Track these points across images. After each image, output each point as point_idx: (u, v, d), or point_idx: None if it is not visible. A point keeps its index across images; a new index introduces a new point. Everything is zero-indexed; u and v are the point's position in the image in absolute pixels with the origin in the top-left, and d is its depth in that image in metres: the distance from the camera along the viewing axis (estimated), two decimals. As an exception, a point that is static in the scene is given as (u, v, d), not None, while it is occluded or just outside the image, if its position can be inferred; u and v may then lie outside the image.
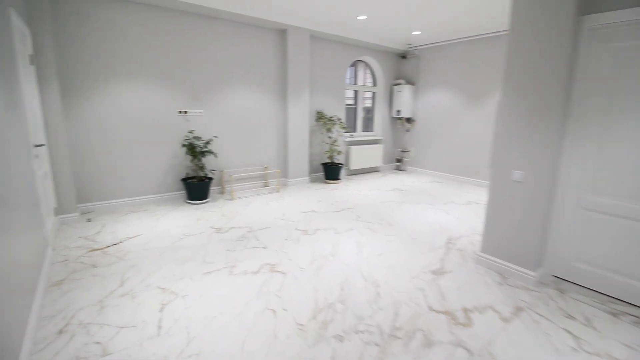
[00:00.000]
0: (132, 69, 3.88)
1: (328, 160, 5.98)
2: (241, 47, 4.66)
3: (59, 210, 3.41)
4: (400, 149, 7.13)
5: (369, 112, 6.98)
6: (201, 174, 4.38)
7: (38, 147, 2.76)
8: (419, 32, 5.46)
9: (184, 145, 4.21)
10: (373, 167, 6.88)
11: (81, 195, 3.77)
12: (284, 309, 2.07)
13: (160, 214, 3.85)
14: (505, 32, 5.05)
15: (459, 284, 2.45)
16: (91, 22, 3.58)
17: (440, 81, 6.20)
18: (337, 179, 5.75)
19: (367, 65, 6.66)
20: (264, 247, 3.00)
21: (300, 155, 5.47)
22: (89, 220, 3.57)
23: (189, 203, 4.27)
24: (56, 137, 3.30)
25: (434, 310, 2.12)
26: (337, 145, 5.72)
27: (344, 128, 5.67)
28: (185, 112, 4.33)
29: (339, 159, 6.00)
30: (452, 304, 2.19)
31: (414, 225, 3.68)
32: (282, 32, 5.03)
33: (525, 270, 2.53)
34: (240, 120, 4.84)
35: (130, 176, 4.06)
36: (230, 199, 4.53)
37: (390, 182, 5.89)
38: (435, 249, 3.07)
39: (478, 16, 4.56)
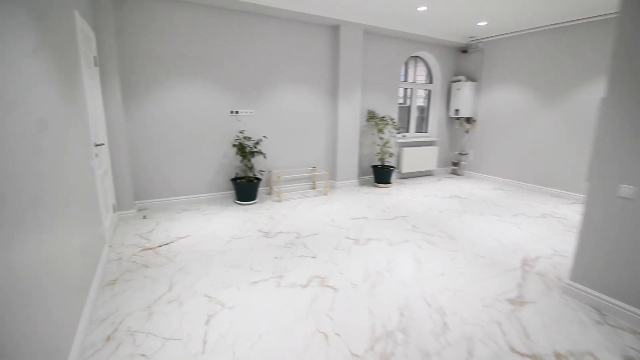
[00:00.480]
0: (186, 68, 3.92)
1: (378, 163, 5.65)
2: (292, 44, 4.53)
3: (118, 207, 3.54)
4: (457, 152, 6.55)
5: (422, 111, 6.51)
6: (250, 174, 4.33)
7: (98, 146, 2.84)
8: (484, 23, 4.90)
9: (234, 145, 4.18)
10: (426, 171, 6.40)
11: (138, 192, 3.90)
12: (336, 334, 1.85)
13: (211, 213, 3.85)
14: (595, 19, 4.33)
15: (545, 319, 2.03)
16: (149, 22, 3.66)
17: (507, 77, 5.55)
18: (388, 182, 5.41)
19: (419, 61, 6.20)
20: (312, 257, 2.80)
21: (350, 157, 5.22)
22: (144, 217, 3.67)
23: (238, 203, 4.24)
24: (116, 136, 3.41)
25: (517, 352, 1.75)
26: (389, 147, 5.38)
27: (397, 128, 5.31)
28: (237, 112, 4.31)
29: (390, 161, 5.65)
30: (539, 345, 1.80)
31: (480, 240, 3.25)
32: (334, 29, 4.82)
33: (633, 309, 2.03)
34: (290, 119, 4.72)
35: (184, 175, 4.13)
36: (278, 201, 4.43)
37: (446, 188, 5.40)
38: (508, 271, 2.64)
39: (559, 2, 3.93)
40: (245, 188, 4.15)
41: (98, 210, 2.59)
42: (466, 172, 6.45)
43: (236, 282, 2.37)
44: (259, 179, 4.30)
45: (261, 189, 4.65)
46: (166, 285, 2.30)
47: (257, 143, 4.26)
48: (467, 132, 6.32)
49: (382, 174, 5.35)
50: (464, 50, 6.12)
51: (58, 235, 1.57)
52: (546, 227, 3.66)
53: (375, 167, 5.43)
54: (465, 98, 6.00)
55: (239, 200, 4.23)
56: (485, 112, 5.97)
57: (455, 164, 6.59)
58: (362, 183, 5.58)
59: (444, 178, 6.22)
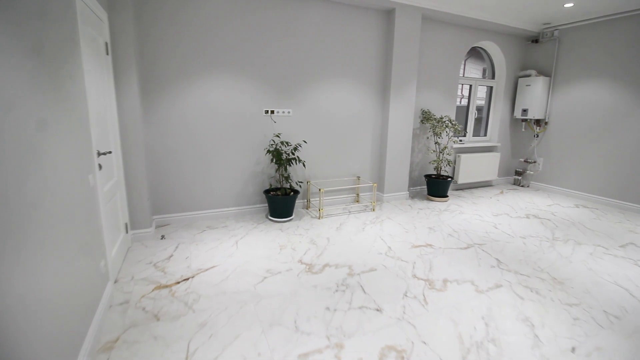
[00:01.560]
0: (215, 60, 3.30)
1: (433, 172, 4.82)
2: (337, 32, 3.81)
3: (132, 225, 2.96)
4: (521, 159, 5.58)
5: (479, 111, 5.59)
6: (286, 185, 3.66)
7: (104, 155, 2.24)
8: (571, 5, 3.95)
9: (269, 151, 3.51)
10: (485, 181, 5.48)
11: (157, 206, 3.32)
12: None
13: (240, 234, 3.20)
14: None
15: None
16: (173, 6, 3.06)
17: (590, 71, 4.54)
18: (445, 196, 4.56)
19: (476, 54, 5.29)
20: (377, 309, 2.06)
21: (400, 165, 4.43)
22: (162, 237, 3.08)
23: (271, 220, 3.57)
24: (131, 140, 2.83)
25: None
26: (449, 154, 4.53)
27: (458, 132, 4.45)
28: (272, 112, 3.64)
29: (447, 170, 4.79)
30: None
31: (598, 287, 2.38)
32: (388, 13, 4.05)
33: None
34: (332, 120, 4.00)
35: (209, 186, 3.51)
36: (318, 217, 3.72)
37: (516, 204, 4.48)
38: (676, 349, 1.77)
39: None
40: (281, 203, 3.48)
41: (100, 239, 1.98)
42: (532, 184, 5.47)
43: (278, 354, 1.67)
44: (296, 192, 3.61)
45: (298, 202, 3.96)
46: (181, 355, 1.64)
47: (295, 149, 3.58)
48: (536, 136, 5.34)
49: (437, 186, 4.51)
50: (535, 40, 5.15)
51: (30, 280, 0.93)
52: (683, 269, 2.71)
53: (429, 177, 4.61)
54: (536, 96, 5.04)
55: (272, 216, 3.56)
56: (561, 113, 4.98)
57: (519, 173, 5.61)
58: (413, 195, 4.76)
59: (507, 190, 5.27)
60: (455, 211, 4.12)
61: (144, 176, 2.95)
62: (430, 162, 4.66)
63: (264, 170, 3.74)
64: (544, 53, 5.11)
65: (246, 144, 3.60)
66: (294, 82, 3.69)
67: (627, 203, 4.32)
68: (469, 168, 5.06)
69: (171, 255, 2.72)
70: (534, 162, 5.41)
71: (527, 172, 5.51)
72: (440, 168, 4.55)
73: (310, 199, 4.06)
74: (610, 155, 4.47)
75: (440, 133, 4.46)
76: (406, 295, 2.22)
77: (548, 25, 4.88)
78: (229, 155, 3.53)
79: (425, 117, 4.50)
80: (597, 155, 4.61)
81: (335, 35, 3.80)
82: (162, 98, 3.17)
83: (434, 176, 4.63)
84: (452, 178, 4.56)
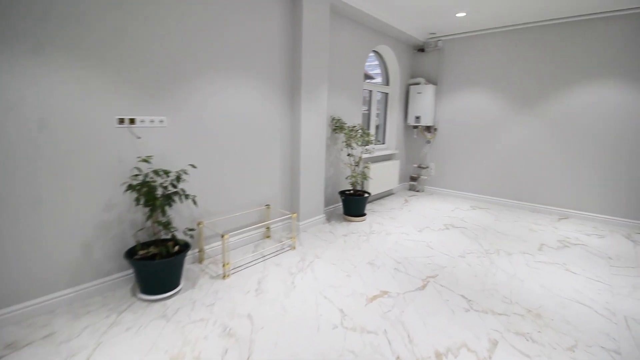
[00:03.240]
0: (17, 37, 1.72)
1: (347, 187, 4.24)
2: (232, 19, 2.70)
3: None
4: (415, 165, 5.69)
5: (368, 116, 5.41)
6: (166, 237, 2.32)
7: None
8: (463, 14, 4.05)
9: (131, 187, 2.11)
10: (388, 190, 5.32)
11: None
12: None
13: (82, 347, 1.72)
14: (584, 17, 3.86)
15: None
16: None
17: (473, 80, 4.90)
18: (363, 214, 4.03)
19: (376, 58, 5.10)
20: None
21: (315, 183, 3.64)
22: None
23: (145, 300, 2.17)
24: None
25: None
26: (366, 167, 4.02)
27: (370, 142, 3.97)
28: (131, 123, 2.24)
29: (361, 185, 4.28)
30: None
31: (570, 312, 2.15)
32: (293, 1, 3.19)
33: None
34: (228, 133, 2.85)
35: (9, 258, 1.84)
36: (222, 276, 2.52)
37: (426, 213, 4.35)
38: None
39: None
40: (159, 268, 2.13)
41: None
42: (426, 188, 5.63)
43: None
44: (185, 246, 2.32)
45: (188, 256, 2.64)
46: None
47: (178, 178, 2.28)
48: (428, 142, 5.50)
49: (355, 204, 3.93)
50: (421, 49, 5.28)
51: None
52: (591, 264, 2.86)
53: (344, 193, 3.99)
54: (427, 103, 5.15)
55: (146, 292, 2.17)
56: (448, 120, 5.24)
57: (414, 179, 5.70)
58: (329, 217, 4.05)
59: (408, 197, 5.22)
60: (381, 232, 3.61)
61: None
62: (346, 178, 4.05)
63: (123, 216, 2.29)
64: (430, 62, 5.28)
65: (85, 176, 2.08)
66: (168, 78, 2.39)
67: (509, 200, 4.78)
68: (377, 178, 4.73)
69: None
70: (427, 167, 5.57)
71: (421, 177, 5.65)
72: (358, 183, 3.99)
73: (205, 248, 2.80)
74: (494, 157, 4.88)
75: (352, 144, 3.91)
76: (411, 412, 1.40)
77: (433, 35, 5.04)
78: (49, 197, 1.95)
79: (338, 126, 3.85)
80: (482, 158, 4.98)
81: (231, 22, 2.68)
82: None
83: (349, 192, 4.05)
84: (369, 194, 4.07)
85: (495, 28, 4.52)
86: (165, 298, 2.19)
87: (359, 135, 3.81)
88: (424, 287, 2.46)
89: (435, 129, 5.38)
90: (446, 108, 5.22)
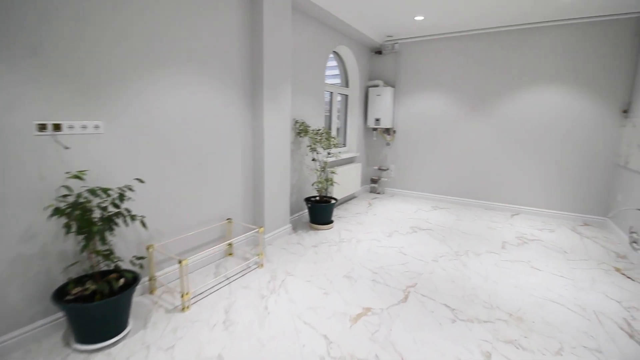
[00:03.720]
0: None
1: (313, 194, 4.04)
2: (177, 11, 2.33)
3: None
4: (375, 167, 5.68)
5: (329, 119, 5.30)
6: (108, 267, 1.90)
7: None
8: (421, 18, 4.09)
9: (57, 212, 1.66)
10: (351, 195, 5.22)
11: None
12: None
13: None
14: (536, 25, 4.10)
15: None
16: None
17: (429, 83, 5.01)
18: (331, 221, 3.86)
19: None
20: None
21: (281, 192, 3.38)
22: None
23: (81, 351, 1.73)
24: None
25: None
26: (333, 172, 3.84)
27: (335, 145, 3.81)
28: (56, 129, 1.78)
29: (329, 191, 4.09)
30: None
31: (547, 312, 2.18)
32: (247, -13, 2.89)
33: None
34: (181, 139, 2.47)
35: None
36: (182, 309, 2.14)
37: (391, 216, 4.32)
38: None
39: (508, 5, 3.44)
40: (99, 312, 1.72)
41: None
42: (387, 190, 5.66)
43: None
44: (133, 280, 1.92)
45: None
46: None
47: (121, 197, 1.87)
48: (388, 144, 5.52)
49: (322, 211, 3.74)
50: (379, 52, 5.28)
51: None
52: (550, 260, 3.01)
53: (310, 200, 3.78)
54: (386, 106, 5.16)
55: (83, 341, 1.73)
56: (406, 122, 5.30)
57: (374, 181, 5.69)
58: (295, 226, 3.81)
59: (371, 200, 5.18)
60: (351, 239, 3.46)
61: None
62: (313, 184, 3.84)
63: (48, 248, 1.82)
64: (387, 64, 5.30)
65: (-10, 201, 1.60)
66: (104, 76, 1.95)
67: (466, 199, 4.96)
68: (341, 183, 4.59)
69: None
70: (387, 169, 5.60)
71: (382, 179, 5.66)
72: (324, 189, 3.80)
73: (157, 275, 2.38)
74: (450, 158, 5.03)
75: (317, 148, 3.71)
76: None
77: (390, 38, 5.05)
78: None
79: (302, 129, 3.63)
80: (439, 158, 5.11)
81: (181, 13, 2.30)
82: None
83: (314, 199, 3.84)
84: (335, 200, 3.90)
85: (450, 33, 4.66)
86: (109, 345, 1.77)
87: (324, 139, 3.63)
88: (406, 298, 2.34)
89: (395, 131, 5.41)
90: (404, 110, 5.28)
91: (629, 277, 2.72)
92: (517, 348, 1.85)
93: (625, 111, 3.77)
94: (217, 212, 2.85)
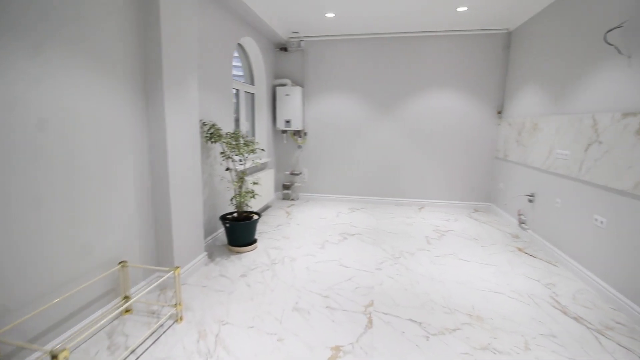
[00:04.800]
0: None
1: (229, 210, 3.38)
2: None
3: None
4: (287, 172, 5.32)
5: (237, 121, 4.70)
6: None
7: None
8: (332, 15, 3.92)
9: None
10: (265, 205, 4.72)
11: None
12: None
13: None
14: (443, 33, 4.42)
15: None
16: None
17: (337, 84, 4.93)
18: (254, 241, 3.29)
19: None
20: None
21: (192, 214, 2.64)
22: None
23: None
24: None
25: None
26: (256, 183, 3.25)
27: (253, 152, 3.23)
28: None
29: (250, 205, 3.48)
30: None
31: (501, 307, 2.24)
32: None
33: None
34: (37, 154, 1.55)
35: None
36: None
37: (314, 223, 4.04)
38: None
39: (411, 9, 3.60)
40: None
41: None
42: (301, 195, 5.38)
43: None
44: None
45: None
46: None
47: None
48: (299, 147, 5.21)
49: (244, 230, 3.15)
50: (284, 48, 4.91)
51: None
52: (469, 249, 3.26)
53: (227, 219, 3.13)
54: (296, 106, 4.85)
55: None
56: (317, 123, 5.11)
57: (287, 187, 5.32)
58: (211, 252, 3.09)
59: (287, 208, 4.80)
60: (284, 259, 3.00)
61: None
62: (231, 199, 3.17)
63: None
64: (294, 62, 4.98)
65: None
66: None
67: (378, 197, 5.10)
68: (258, 192, 4.05)
69: None
70: (300, 173, 5.31)
71: (295, 184, 5.34)
72: (243, 204, 3.19)
73: (3, 378, 1.42)
74: (359, 158, 5.07)
75: (233, 155, 3.10)
76: None
77: (296, 35, 4.74)
78: None
79: (213, 133, 2.94)
80: (350, 159, 5.10)
81: None
82: None
83: (231, 216, 3.22)
84: (259, 215, 3.34)
85: (357, 35, 4.67)
86: None
87: (242, 144, 3.04)
88: (370, 322, 2.05)
89: (306, 133, 5.16)
90: (315, 111, 5.08)
91: (530, 255, 3.13)
92: (494, 353, 1.79)
93: (499, 112, 4.47)
94: (102, 256, 1.96)
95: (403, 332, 1.97)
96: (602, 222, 2.39)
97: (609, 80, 2.36)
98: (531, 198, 3.50)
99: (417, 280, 2.62)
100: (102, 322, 1.60)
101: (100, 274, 1.93)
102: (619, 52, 2.18)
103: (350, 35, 4.69)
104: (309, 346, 1.83)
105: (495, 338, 1.92)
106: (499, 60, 4.38)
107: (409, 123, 4.82)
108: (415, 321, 2.08)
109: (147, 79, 2.22)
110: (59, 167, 1.66)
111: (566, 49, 2.96)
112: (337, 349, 1.81)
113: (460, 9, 3.65)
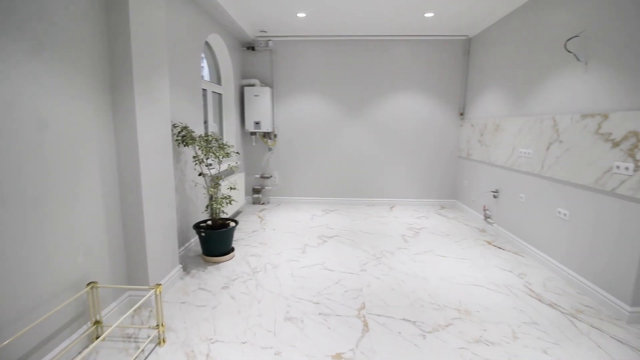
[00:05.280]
0: None
1: (203, 218, 3.16)
2: None
3: None
4: (257, 175, 5.15)
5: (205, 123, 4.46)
6: None
7: None
8: (303, 15, 3.87)
9: None
10: (237, 210, 4.52)
11: None
12: None
13: None
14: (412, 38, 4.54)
15: None
16: None
17: (306, 85, 4.88)
18: (232, 249, 3.13)
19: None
20: None
21: (166, 225, 2.42)
22: None
23: None
24: None
25: None
26: (233, 187, 3.08)
27: (228, 155, 3.06)
28: None
29: (225, 212, 3.29)
30: None
31: (484, 299, 2.35)
32: None
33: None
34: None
35: None
36: None
37: (290, 227, 3.95)
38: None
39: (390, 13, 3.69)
40: None
41: None
42: (272, 199, 5.25)
43: None
44: None
45: None
46: None
47: None
48: (270, 149, 5.07)
49: (221, 239, 2.97)
50: (252, 47, 4.74)
51: None
52: (443, 245, 3.40)
53: (200, 227, 2.93)
54: (265, 108, 4.72)
55: None
56: (287, 125, 5.02)
57: (257, 191, 5.16)
58: (185, 264, 2.87)
59: (260, 213, 4.65)
60: (266, 267, 2.89)
61: None
62: (207, 206, 2.98)
63: None
64: (262, 62, 4.84)
65: None
66: None
67: (350, 198, 5.14)
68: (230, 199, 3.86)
69: None
70: (271, 176, 5.17)
71: (266, 187, 5.19)
72: (218, 211, 3.01)
73: None
74: (330, 159, 5.06)
75: (204, 159, 2.91)
76: None
77: (264, 34, 4.61)
78: None
79: (185, 135, 2.73)
80: (320, 161, 5.08)
81: None
82: None
83: (204, 224, 3.02)
84: (236, 222, 3.17)
85: (326, 36, 4.65)
86: None
87: (216, 147, 2.86)
88: (366, 326, 2.03)
89: (275, 135, 5.04)
90: (284, 112, 4.98)
91: (499, 247, 3.34)
92: (487, 345, 1.86)
93: (462, 114, 4.74)
94: (66, 277, 1.71)
95: (399, 332, 1.97)
96: (565, 215, 2.61)
97: (568, 84, 2.59)
98: (496, 194, 3.75)
99: (402, 279, 2.66)
100: (70, 352, 1.38)
101: (68, 299, 1.68)
102: (577, 59, 2.40)
103: (320, 36, 4.67)
104: (309, 357, 1.75)
105: (485, 330, 2.00)
106: (460, 65, 4.64)
107: (378, 125, 4.92)
108: (409, 320, 2.10)
109: (114, 75, 1.99)
110: (22, 175, 1.41)
111: (526, 55, 3.21)
112: (338, 356, 1.76)
113: (427, 15, 3.80)
